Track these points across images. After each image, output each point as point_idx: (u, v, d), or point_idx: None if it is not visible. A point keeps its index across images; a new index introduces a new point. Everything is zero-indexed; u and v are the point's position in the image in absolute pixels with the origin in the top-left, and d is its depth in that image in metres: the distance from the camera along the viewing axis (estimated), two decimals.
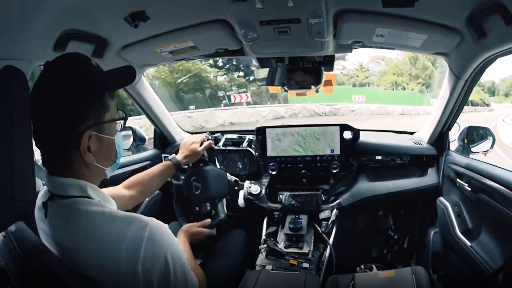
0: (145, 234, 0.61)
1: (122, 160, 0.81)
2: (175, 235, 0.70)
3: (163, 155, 1.72)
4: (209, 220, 1.13)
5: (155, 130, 1.77)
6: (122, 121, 0.69)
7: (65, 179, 0.63)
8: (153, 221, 0.64)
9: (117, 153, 0.70)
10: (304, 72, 1.38)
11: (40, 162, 0.69)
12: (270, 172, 1.55)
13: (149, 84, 1.52)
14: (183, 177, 1.34)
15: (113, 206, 0.69)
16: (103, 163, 0.67)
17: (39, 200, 0.67)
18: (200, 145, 1.21)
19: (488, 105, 24.35)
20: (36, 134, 0.61)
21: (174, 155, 1.18)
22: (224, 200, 1.30)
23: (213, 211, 1.25)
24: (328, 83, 1.54)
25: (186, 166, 1.27)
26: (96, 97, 0.63)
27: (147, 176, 1.09)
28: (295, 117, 14.20)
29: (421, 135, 1.63)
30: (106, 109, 0.64)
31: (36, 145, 0.62)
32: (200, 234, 1.07)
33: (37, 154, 0.65)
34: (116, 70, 0.69)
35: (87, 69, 0.63)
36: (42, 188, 0.71)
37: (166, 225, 0.67)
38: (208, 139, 1.26)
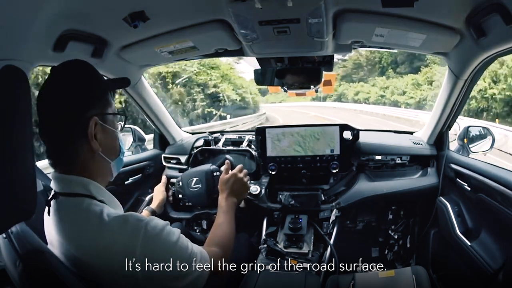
0: (140, 235, 0.60)
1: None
2: None
3: (162, 155, 1.72)
4: (227, 160, 1.23)
5: (154, 130, 1.77)
6: (122, 122, 0.75)
7: (68, 176, 0.64)
8: (152, 220, 0.64)
9: (120, 148, 0.75)
10: (304, 72, 1.38)
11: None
12: (270, 172, 1.55)
13: (148, 85, 1.52)
14: (179, 196, 1.58)
15: (117, 207, 0.70)
16: (108, 155, 0.70)
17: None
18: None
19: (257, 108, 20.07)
20: (43, 128, 0.64)
21: (148, 206, 1.41)
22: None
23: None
24: (328, 83, 1.54)
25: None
26: (101, 91, 0.70)
27: None
28: None
29: (421, 135, 1.63)
30: (108, 104, 0.71)
31: (43, 140, 0.65)
32: (236, 176, 1.11)
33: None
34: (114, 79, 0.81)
35: (93, 69, 0.71)
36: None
37: (167, 223, 0.67)
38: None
